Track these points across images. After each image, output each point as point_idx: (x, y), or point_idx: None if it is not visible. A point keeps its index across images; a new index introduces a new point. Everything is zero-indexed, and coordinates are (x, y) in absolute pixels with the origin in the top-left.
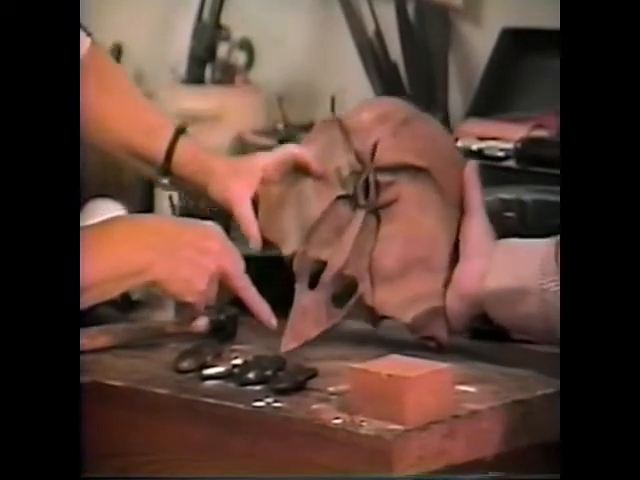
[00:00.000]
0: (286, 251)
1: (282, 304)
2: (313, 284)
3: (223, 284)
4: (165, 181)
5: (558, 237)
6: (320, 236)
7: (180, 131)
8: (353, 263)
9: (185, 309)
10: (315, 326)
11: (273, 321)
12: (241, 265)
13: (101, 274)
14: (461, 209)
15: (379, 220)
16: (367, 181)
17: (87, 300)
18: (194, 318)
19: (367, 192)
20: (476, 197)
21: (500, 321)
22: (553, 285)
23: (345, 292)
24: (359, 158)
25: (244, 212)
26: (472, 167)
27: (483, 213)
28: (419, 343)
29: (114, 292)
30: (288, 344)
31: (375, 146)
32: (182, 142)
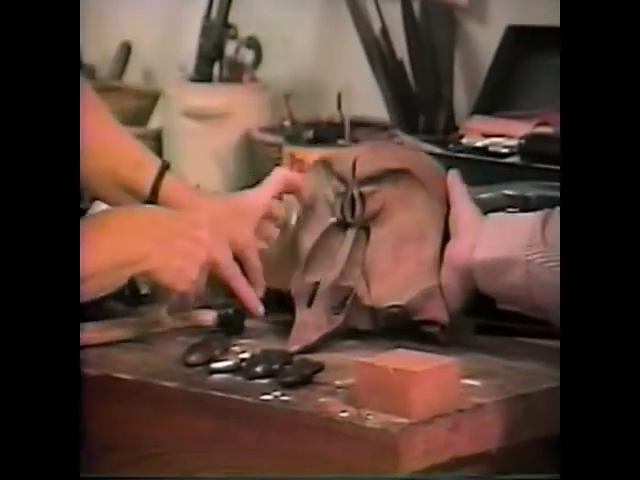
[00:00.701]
0: (285, 288)
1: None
2: (311, 304)
3: (213, 273)
4: None
5: (545, 211)
6: (316, 262)
7: (166, 167)
8: (347, 274)
9: (176, 299)
10: (316, 331)
11: (260, 309)
12: (230, 254)
13: (99, 265)
14: (447, 206)
15: (369, 232)
16: (352, 197)
17: (86, 291)
18: (185, 307)
19: (354, 208)
20: (462, 192)
21: (488, 291)
22: (538, 257)
23: (344, 302)
24: (341, 178)
25: (255, 261)
26: (454, 175)
27: (469, 201)
28: (425, 336)
29: (111, 283)
30: (292, 347)
31: (355, 162)
32: (168, 177)
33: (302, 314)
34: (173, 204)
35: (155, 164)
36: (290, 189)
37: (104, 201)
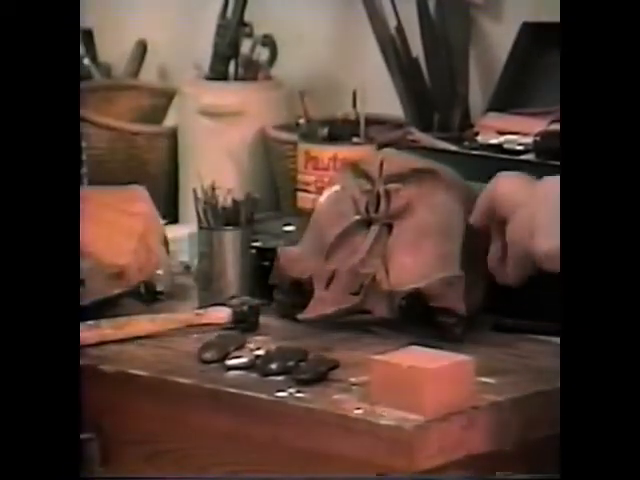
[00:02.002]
0: (303, 276)
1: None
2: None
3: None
4: None
5: None
6: (337, 252)
7: None
8: (368, 263)
9: (122, 275)
10: (332, 305)
11: None
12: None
13: None
14: (469, 210)
15: (391, 230)
16: (378, 194)
17: None
18: (129, 283)
19: (378, 205)
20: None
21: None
22: None
23: (362, 288)
24: (368, 176)
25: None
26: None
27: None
28: (440, 329)
29: None
30: (303, 316)
31: (382, 161)
32: None
33: (320, 293)
34: None
35: None
36: None
37: None
